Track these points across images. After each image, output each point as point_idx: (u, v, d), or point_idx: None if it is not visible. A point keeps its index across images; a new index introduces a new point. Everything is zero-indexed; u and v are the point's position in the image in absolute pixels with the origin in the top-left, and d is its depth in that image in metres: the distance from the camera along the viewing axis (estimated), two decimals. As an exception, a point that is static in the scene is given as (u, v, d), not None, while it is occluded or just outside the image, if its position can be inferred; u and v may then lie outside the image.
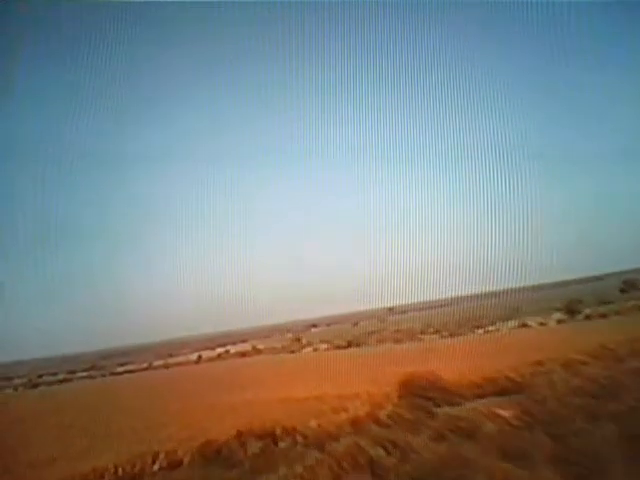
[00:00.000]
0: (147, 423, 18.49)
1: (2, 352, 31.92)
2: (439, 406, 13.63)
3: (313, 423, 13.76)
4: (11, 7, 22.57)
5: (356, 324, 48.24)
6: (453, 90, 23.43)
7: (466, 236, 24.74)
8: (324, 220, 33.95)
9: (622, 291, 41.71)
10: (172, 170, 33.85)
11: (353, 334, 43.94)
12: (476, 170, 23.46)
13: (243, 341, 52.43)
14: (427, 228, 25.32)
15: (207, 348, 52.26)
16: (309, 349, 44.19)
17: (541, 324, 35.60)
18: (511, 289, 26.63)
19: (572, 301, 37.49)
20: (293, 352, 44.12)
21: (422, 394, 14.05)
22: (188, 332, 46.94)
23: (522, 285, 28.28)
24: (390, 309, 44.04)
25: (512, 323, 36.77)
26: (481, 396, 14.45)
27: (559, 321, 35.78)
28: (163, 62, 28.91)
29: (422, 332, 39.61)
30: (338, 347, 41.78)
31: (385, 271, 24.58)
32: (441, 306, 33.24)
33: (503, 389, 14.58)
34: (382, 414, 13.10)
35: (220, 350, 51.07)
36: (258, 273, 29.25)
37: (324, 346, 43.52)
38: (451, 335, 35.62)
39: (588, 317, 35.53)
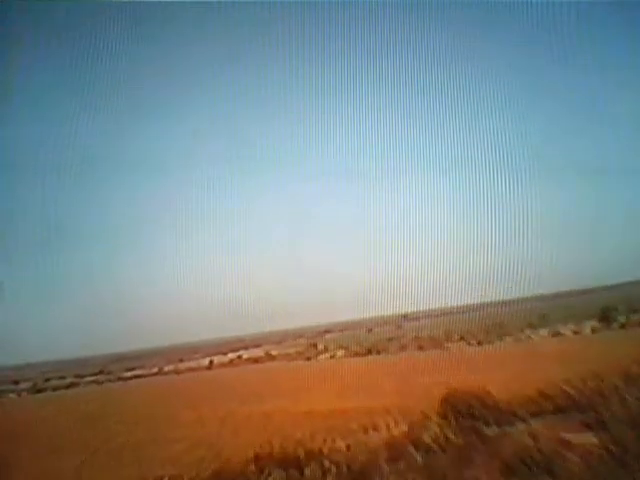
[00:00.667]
0: (153, 436, 16.80)
1: (8, 355, 30.91)
2: (488, 424, 11.66)
3: (341, 444, 11.82)
4: (11, 7, 22.42)
5: (370, 330, 46.37)
6: (455, 92, 22.60)
7: (486, 241, 23.08)
8: (335, 225, 34.55)
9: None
10: (178, 172, 32.31)
11: (370, 340, 42.04)
12: (492, 174, 21.97)
13: (256, 346, 50.59)
14: (443, 234, 24.38)
15: (219, 353, 50.49)
16: (326, 355, 42.20)
17: (575, 332, 33.41)
18: (537, 296, 26.75)
19: (606, 308, 35.24)
20: (309, 359, 42.14)
21: (469, 412, 12.02)
22: (199, 336, 46.00)
23: (549, 292, 28.32)
24: (404, 316, 42.67)
25: (543, 331, 34.72)
26: (537, 414, 12.39)
27: (594, 329, 33.56)
28: (164, 63, 27.81)
29: (447, 339, 37.46)
30: (357, 354, 39.98)
31: (400, 277, 23.93)
32: (461, 313, 30.10)
33: (562, 406, 12.51)
34: (424, 436, 11.09)
35: (232, 355, 49.24)
36: (270, 277, 29.84)
37: (341, 352, 41.62)
38: (479, 343, 33.50)
39: (623, 325, 33.30)
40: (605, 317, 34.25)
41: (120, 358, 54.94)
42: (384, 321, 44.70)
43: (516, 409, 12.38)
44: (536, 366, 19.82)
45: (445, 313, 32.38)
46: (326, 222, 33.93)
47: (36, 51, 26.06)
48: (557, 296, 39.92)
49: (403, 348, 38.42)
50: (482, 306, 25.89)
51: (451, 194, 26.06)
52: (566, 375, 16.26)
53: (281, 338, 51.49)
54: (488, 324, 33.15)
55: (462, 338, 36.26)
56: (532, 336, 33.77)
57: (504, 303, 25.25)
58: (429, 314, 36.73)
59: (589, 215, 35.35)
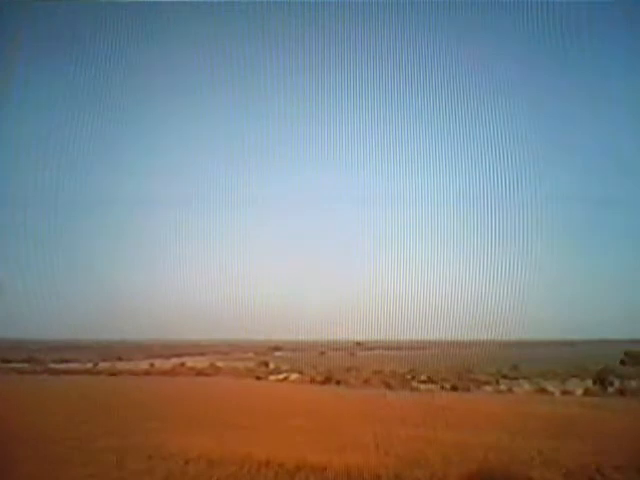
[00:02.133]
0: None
1: None
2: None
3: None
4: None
5: (323, 353, 41.59)
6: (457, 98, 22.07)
7: (463, 274, 22.56)
8: (298, 238, 30.85)
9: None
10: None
11: (326, 367, 37.15)
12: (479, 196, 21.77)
13: (201, 354, 45.46)
14: (412, 260, 22.78)
15: (161, 356, 45.22)
16: (278, 377, 37.24)
17: (564, 393, 28.70)
18: (513, 342, 24.23)
19: (603, 369, 30.53)
20: (259, 379, 37.06)
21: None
22: (141, 336, 41.41)
23: (527, 339, 24.88)
24: (358, 343, 38.10)
25: (526, 386, 30.09)
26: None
27: (586, 392, 28.84)
28: (164, 64, 26.52)
29: (413, 378, 32.64)
30: (313, 381, 35.06)
31: (358, 301, 23.62)
32: (419, 349, 27.52)
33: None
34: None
35: (175, 361, 44.04)
36: (222, 285, 25.67)
37: (295, 376, 36.71)
38: (453, 389, 28.80)
39: (622, 392, 28.40)
40: (601, 379, 29.52)
41: (53, 347, 49.21)
42: (337, 346, 40.68)
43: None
44: (544, 433, 16.24)
45: (403, 347, 29.49)
46: (299, 240, 30.42)
47: (35, 51, 24.99)
48: (536, 345, 35.95)
49: (367, 382, 33.27)
50: (447, 345, 23.99)
51: (435, 226, 23.78)
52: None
53: (228, 349, 46.48)
54: (452, 366, 29.06)
55: (430, 379, 31.49)
56: (515, 390, 29.12)
57: (473, 344, 23.96)
58: (385, 346, 35.05)
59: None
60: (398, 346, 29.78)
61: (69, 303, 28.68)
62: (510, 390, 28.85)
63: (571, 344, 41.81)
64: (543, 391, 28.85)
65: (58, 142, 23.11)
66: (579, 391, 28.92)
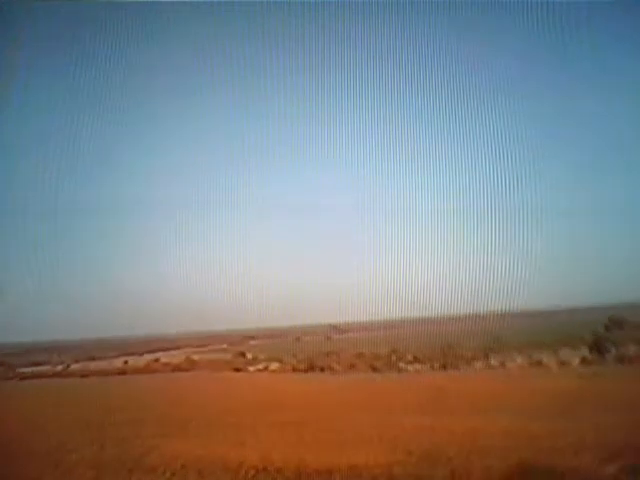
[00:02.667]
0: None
1: None
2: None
3: None
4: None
5: (299, 339, 40.16)
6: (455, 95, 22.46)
7: (432, 247, 22.88)
8: (269, 227, 30.99)
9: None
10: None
11: (306, 353, 35.58)
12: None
13: (175, 348, 43.57)
14: (384, 238, 23.07)
15: (134, 353, 43.14)
16: (257, 367, 35.53)
17: (561, 364, 27.37)
18: (484, 315, 23.06)
19: (599, 336, 29.21)
20: (238, 370, 35.11)
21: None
22: (114, 332, 38.24)
23: (495, 310, 23.18)
24: (333, 326, 38.45)
25: (519, 359, 28.76)
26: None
27: (584, 361, 27.62)
28: (163, 64, 27.84)
29: (398, 359, 31.19)
30: (295, 369, 33.25)
31: (332, 284, 25.04)
32: (395, 328, 26.95)
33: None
34: None
35: (149, 357, 42.04)
36: (191, 276, 26.41)
37: (275, 365, 35.08)
38: (442, 367, 27.44)
39: (620, 359, 26.97)
40: (598, 347, 28.25)
41: (24, 350, 46.69)
42: (311, 331, 39.75)
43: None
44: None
45: (378, 328, 28.81)
46: (271, 226, 31.02)
47: (35, 51, 25.77)
48: (515, 316, 34.53)
49: (352, 367, 31.53)
50: (424, 322, 23.73)
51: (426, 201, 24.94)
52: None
53: (202, 341, 44.57)
54: (439, 344, 27.63)
55: (417, 359, 30.09)
56: (507, 364, 27.86)
57: (451, 320, 23.69)
58: (359, 327, 33.31)
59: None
60: (373, 327, 29.10)
61: (37, 303, 30.42)
62: (503, 365, 27.41)
63: (549, 314, 40.82)
64: (538, 364, 27.42)
65: (58, 143, 23.74)
66: (575, 361, 27.58)
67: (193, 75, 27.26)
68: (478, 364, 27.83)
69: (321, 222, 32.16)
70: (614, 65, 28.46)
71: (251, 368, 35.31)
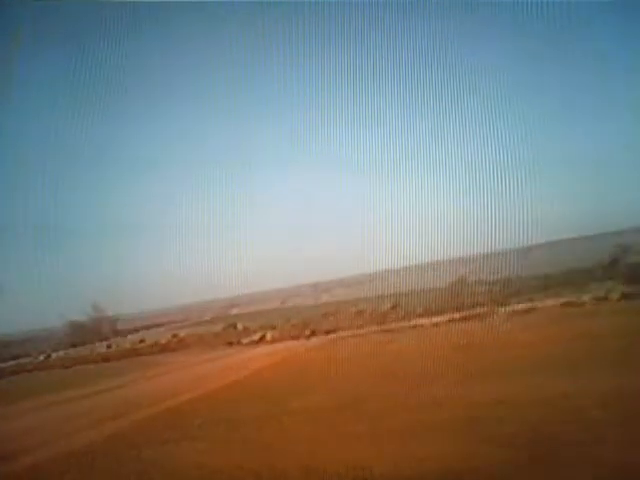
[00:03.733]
0: None
1: None
2: None
3: None
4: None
5: (284, 302, 37.37)
6: (453, 89, 20.62)
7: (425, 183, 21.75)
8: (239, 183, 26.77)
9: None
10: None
11: (299, 316, 32.47)
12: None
13: (157, 325, 40.26)
14: (367, 180, 21.86)
15: (117, 334, 40.01)
16: (252, 338, 31.81)
17: (597, 300, 23.94)
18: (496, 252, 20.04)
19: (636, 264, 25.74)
20: (231, 344, 31.42)
21: None
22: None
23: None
24: (314, 285, 38.01)
25: (549, 301, 25.36)
26: None
27: (625, 296, 24.11)
28: (163, 63, 27.45)
29: (407, 313, 27.57)
30: (295, 337, 29.55)
31: (314, 239, 25.46)
32: (385, 280, 23.78)
33: None
34: None
35: (133, 338, 38.76)
36: (169, 247, 25.69)
37: (271, 334, 31.32)
38: (465, 319, 23.72)
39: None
40: (635, 278, 24.66)
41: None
42: (296, 292, 38.34)
43: None
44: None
45: (365, 281, 27.24)
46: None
47: (35, 51, 25.36)
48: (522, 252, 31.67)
49: (360, 327, 27.59)
50: (418, 270, 21.62)
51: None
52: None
53: (183, 315, 41.36)
54: (445, 292, 24.34)
55: (428, 312, 26.66)
56: (536, 305, 24.45)
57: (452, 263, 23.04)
58: (345, 283, 33.54)
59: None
60: (359, 281, 28.32)
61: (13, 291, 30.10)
62: (532, 309, 24.09)
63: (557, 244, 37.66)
64: (570, 304, 24.10)
65: (59, 140, 23.33)
66: (614, 295, 24.18)
67: (193, 75, 27.28)
68: (503, 310, 24.12)
69: (301, 176, 31.86)
70: (616, 63, 27.80)
71: (245, 340, 31.76)
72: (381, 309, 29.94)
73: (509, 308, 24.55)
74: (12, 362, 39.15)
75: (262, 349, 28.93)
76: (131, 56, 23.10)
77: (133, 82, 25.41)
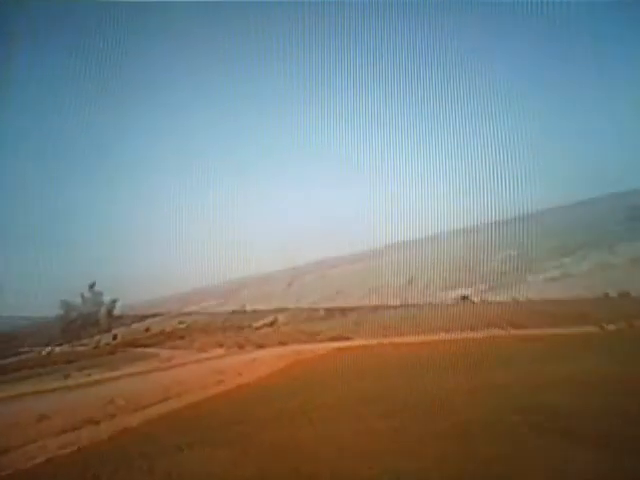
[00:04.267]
0: None
1: None
2: None
3: None
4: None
5: (291, 284, 35.83)
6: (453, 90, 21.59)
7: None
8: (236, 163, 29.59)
9: None
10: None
11: (309, 296, 30.91)
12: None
13: (161, 314, 38.66)
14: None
15: (121, 324, 38.55)
16: (264, 322, 30.22)
17: (634, 261, 22.14)
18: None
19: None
20: (241, 329, 29.73)
21: None
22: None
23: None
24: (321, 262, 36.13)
25: (583, 265, 23.65)
26: None
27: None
28: (163, 62, 27.13)
29: (426, 287, 25.75)
30: (310, 318, 28.02)
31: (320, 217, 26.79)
32: (390, 254, 23.85)
33: None
34: None
35: (138, 327, 37.33)
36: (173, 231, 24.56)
37: (283, 317, 29.53)
38: (491, 289, 22.16)
39: None
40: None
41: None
42: (301, 271, 36.75)
43: None
44: None
45: (368, 257, 27.13)
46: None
47: (34, 50, 26.08)
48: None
49: (376, 309, 25.58)
50: (428, 242, 22.15)
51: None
52: None
53: (188, 300, 39.77)
54: (461, 263, 22.80)
55: (448, 285, 25.41)
56: (571, 271, 22.76)
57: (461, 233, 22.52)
58: (349, 260, 32.26)
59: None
60: (362, 257, 27.70)
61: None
62: (567, 275, 22.38)
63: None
64: (609, 265, 22.43)
65: (59, 137, 24.76)
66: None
67: (193, 74, 27.51)
68: (531, 278, 22.48)
69: (304, 160, 30.66)
70: (616, 62, 29.27)
71: (257, 324, 30.19)
72: (396, 284, 28.87)
73: (544, 276, 23.45)
74: (13, 358, 38.03)
75: (280, 334, 27.25)
76: (131, 55, 23.60)
77: (132, 81, 25.91)
